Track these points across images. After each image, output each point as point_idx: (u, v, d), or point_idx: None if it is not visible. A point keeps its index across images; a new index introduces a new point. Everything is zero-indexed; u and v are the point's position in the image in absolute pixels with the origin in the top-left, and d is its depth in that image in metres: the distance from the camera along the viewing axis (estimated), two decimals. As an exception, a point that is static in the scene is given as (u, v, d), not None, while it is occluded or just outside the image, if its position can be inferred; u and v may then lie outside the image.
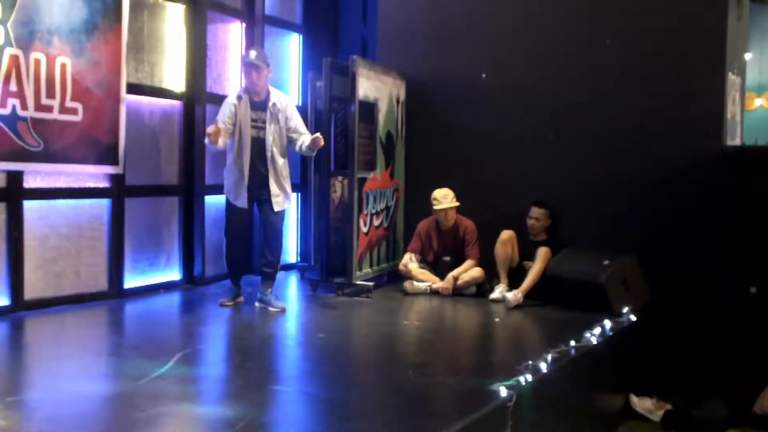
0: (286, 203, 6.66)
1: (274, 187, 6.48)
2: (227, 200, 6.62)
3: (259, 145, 6.44)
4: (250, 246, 7.95)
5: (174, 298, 7.18)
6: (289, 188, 6.65)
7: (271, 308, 6.49)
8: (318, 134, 6.38)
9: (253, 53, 6.51)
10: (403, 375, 4.79)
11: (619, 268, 6.72)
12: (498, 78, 8.07)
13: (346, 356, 5.38)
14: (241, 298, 6.69)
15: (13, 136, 5.85)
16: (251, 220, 7.16)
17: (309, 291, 7.53)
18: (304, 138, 6.46)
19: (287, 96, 6.73)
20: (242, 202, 6.47)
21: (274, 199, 6.50)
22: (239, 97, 6.46)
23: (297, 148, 6.57)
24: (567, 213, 7.51)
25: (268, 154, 6.43)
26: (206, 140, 6.32)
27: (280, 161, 6.53)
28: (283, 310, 6.48)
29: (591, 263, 6.76)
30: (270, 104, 6.45)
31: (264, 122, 6.45)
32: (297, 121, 6.58)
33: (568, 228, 7.49)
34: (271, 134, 6.43)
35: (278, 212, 6.59)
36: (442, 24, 8.38)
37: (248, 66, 6.42)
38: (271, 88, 6.58)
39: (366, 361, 5.40)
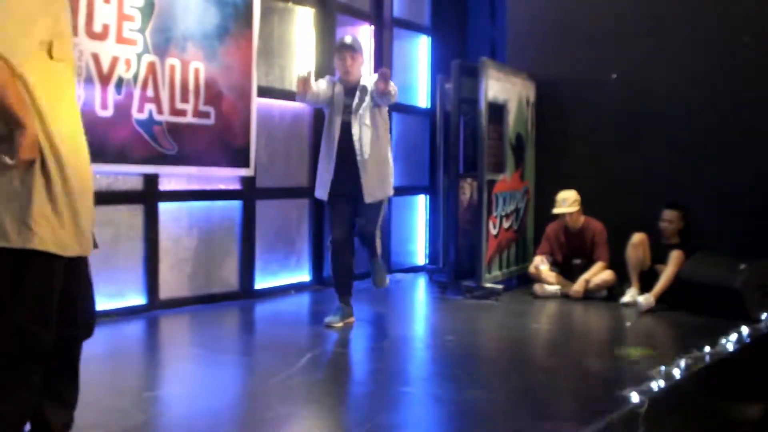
0: (379, 194, 5.90)
1: (364, 178, 5.79)
2: (324, 202, 6.11)
3: (348, 133, 5.83)
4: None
5: (304, 299, 7.25)
6: (386, 179, 5.95)
7: (377, 276, 6.25)
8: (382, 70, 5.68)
9: (348, 37, 5.90)
10: (533, 378, 4.72)
11: (757, 273, 6.42)
12: (629, 78, 7.85)
13: (474, 359, 5.31)
14: (353, 319, 6.07)
15: (150, 140, 6.02)
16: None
17: (437, 293, 7.50)
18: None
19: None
20: (323, 194, 5.90)
21: (365, 191, 5.80)
22: (334, 81, 5.99)
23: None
24: (701, 216, 7.22)
25: (356, 139, 5.79)
26: (297, 93, 5.81)
27: (375, 149, 5.84)
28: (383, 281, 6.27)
29: (726, 267, 6.49)
30: (360, 86, 5.89)
31: (353, 107, 5.85)
32: None
33: (702, 231, 7.20)
34: (359, 118, 5.80)
35: (372, 206, 5.89)
36: (572, 24, 8.22)
37: (343, 49, 5.86)
38: (365, 75, 6.01)
39: (495, 364, 5.32)
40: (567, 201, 7.39)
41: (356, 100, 5.85)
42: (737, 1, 7.29)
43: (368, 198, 5.82)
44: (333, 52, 5.91)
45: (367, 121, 5.82)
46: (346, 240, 5.98)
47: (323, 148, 5.96)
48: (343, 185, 5.84)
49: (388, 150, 6.01)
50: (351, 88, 5.91)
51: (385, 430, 3.72)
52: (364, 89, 5.87)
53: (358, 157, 5.78)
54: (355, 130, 5.80)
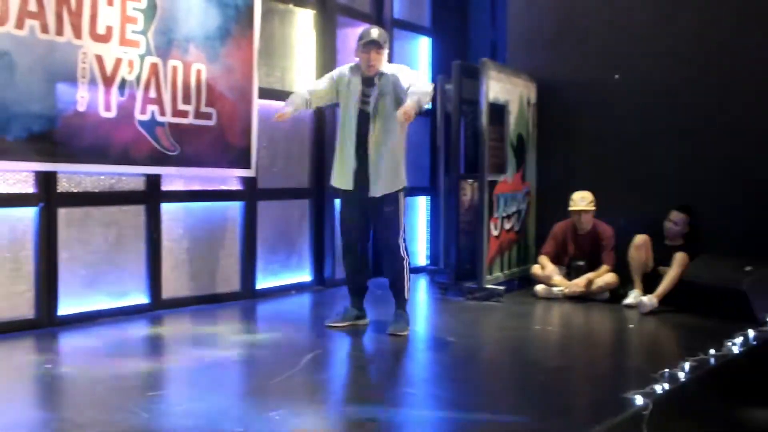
0: (388, 189, 5.68)
1: (372, 170, 5.65)
2: (337, 192, 6.04)
3: (365, 121, 5.68)
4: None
5: (305, 299, 7.27)
6: (397, 173, 5.71)
7: (390, 333, 5.73)
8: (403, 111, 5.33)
9: (375, 31, 5.70)
10: (535, 380, 4.72)
11: (763, 275, 6.44)
12: (632, 78, 7.84)
13: (476, 360, 5.32)
14: (365, 321, 6.06)
15: (152, 141, 6.04)
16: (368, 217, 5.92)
17: (438, 295, 7.50)
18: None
19: (400, 65, 5.92)
20: (347, 182, 5.73)
21: (372, 186, 5.65)
22: (349, 69, 5.83)
23: None
24: (705, 218, 7.22)
25: (371, 129, 5.64)
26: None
27: (388, 140, 5.67)
28: (397, 335, 5.70)
29: (732, 269, 6.49)
30: (378, 76, 5.69)
31: (369, 96, 5.69)
32: (410, 79, 5.61)
33: (706, 234, 7.19)
34: (375, 108, 5.64)
35: (383, 201, 5.70)
36: (573, 24, 8.22)
37: (369, 45, 5.63)
38: (385, 64, 5.77)
39: (497, 365, 5.33)
40: (585, 200, 7.38)
41: (375, 91, 5.66)
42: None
43: (374, 191, 5.67)
44: (357, 44, 5.71)
45: (382, 112, 5.64)
46: (358, 237, 5.97)
47: (339, 136, 5.83)
48: (361, 175, 5.70)
49: (401, 143, 5.79)
50: (369, 78, 5.72)
51: (386, 431, 3.72)
52: (384, 78, 5.67)
53: (370, 148, 5.66)
54: (370, 119, 5.66)
